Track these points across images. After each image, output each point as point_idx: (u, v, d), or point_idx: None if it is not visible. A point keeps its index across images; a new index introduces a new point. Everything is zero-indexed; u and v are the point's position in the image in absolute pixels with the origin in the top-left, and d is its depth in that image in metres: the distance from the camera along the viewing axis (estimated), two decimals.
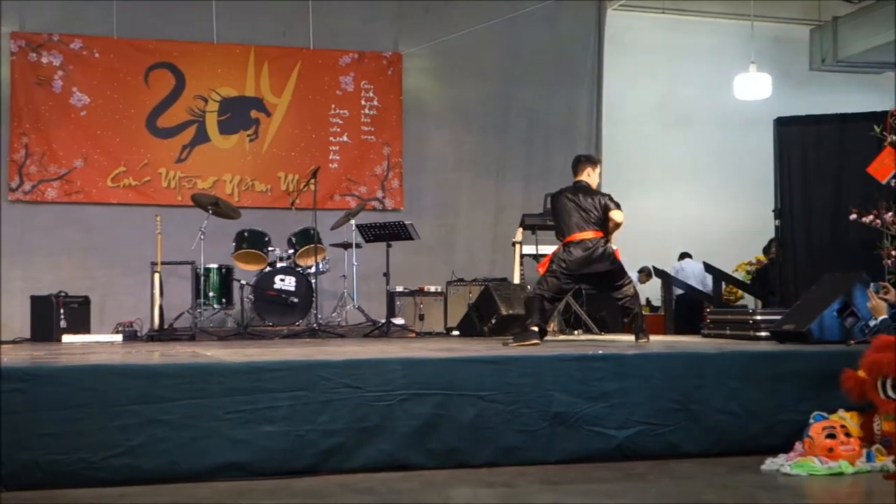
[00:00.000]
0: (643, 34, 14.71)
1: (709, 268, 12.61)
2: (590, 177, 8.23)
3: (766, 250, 12.99)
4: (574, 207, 7.99)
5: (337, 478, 4.94)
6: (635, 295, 8.13)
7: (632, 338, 8.09)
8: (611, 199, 8.02)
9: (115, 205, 12.21)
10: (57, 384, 4.79)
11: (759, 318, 8.37)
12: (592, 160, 8.39)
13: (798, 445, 5.28)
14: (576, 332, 10.87)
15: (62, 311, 10.38)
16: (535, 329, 7.79)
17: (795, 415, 5.60)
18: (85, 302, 10.71)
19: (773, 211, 11.24)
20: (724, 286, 12.92)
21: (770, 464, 5.17)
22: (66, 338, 9.96)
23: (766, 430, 5.66)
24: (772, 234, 11.66)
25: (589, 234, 7.92)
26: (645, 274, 14.04)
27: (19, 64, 11.99)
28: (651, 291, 13.73)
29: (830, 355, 5.97)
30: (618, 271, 8.10)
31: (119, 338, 10.07)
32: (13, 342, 10.24)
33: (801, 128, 11.12)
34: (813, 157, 11.06)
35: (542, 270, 8.21)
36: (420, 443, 5.16)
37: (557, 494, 4.67)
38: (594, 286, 8.83)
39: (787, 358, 5.96)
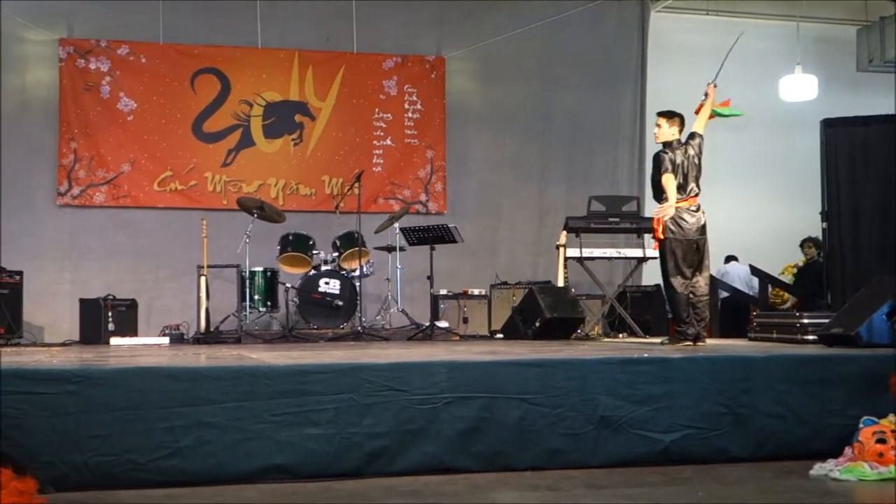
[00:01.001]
0: (687, 36, 14.59)
1: (755, 270, 12.50)
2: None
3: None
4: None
5: (381, 481, 4.95)
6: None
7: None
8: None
9: (162, 209, 12.33)
10: (106, 386, 4.84)
11: (806, 321, 8.29)
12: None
13: (847, 450, 5.21)
14: (620, 336, 10.82)
15: (110, 313, 10.50)
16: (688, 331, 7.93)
17: (844, 419, 5.54)
18: (132, 305, 10.82)
19: (821, 213, 11.13)
20: (770, 289, 12.81)
21: (819, 469, 5.11)
22: (113, 340, 10.07)
23: (814, 434, 5.60)
24: (818, 237, 11.55)
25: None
26: None
27: (68, 70, 12.15)
28: None
29: (880, 359, 5.89)
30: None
31: (166, 340, 10.17)
32: (62, 344, 10.36)
33: (848, 129, 11.01)
34: (860, 158, 10.95)
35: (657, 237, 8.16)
36: (464, 446, 5.16)
37: (603, 498, 4.65)
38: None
39: (836, 362, 5.89)
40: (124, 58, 12.34)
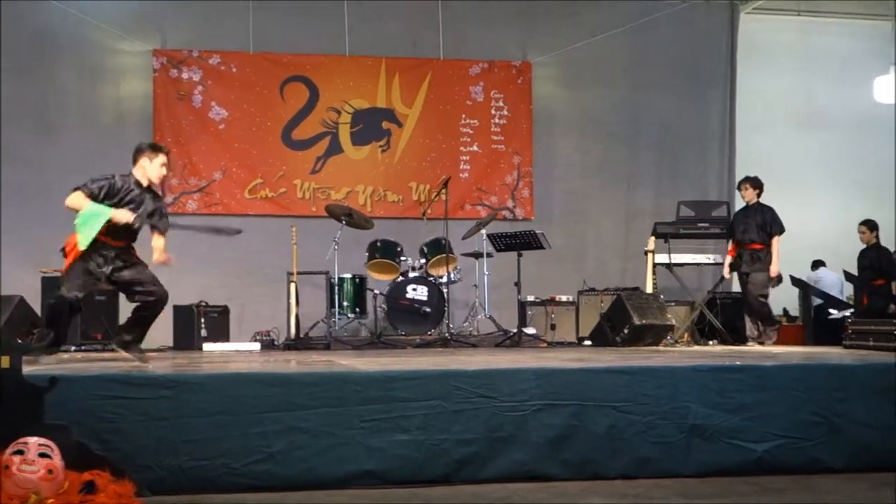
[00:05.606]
0: (778, 37, 14.37)
1: (849, 277, 12.22)
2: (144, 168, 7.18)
3: None
4: None
5: (470, 488, 4.95)
6: None
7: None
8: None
9: (253, 216, 12.50)
10: (200, 391, 4.92)
11: None
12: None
13: None
14: (710, 343, 10.68)
15: (203, 320, 10.64)
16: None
17: None
18: (224, 311, 10.97)
19: None
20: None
21: None
22: (206, 346, 10.23)
23: None
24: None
25: None
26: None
27: (161, 80, 12.41)
28: (788, 301, 13.38)
29: None
30: None
31: (257, 346, 10.31)
32: (157, 350, 10.55)
33: None
34: None
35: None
36: (554, 453, 5.14)
37: None
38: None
39: None
40: (215, 67, 12.56)
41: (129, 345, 7.19)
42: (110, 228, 6.94)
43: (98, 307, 10.37)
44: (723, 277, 11.00)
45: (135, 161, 7.18)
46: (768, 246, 10.36)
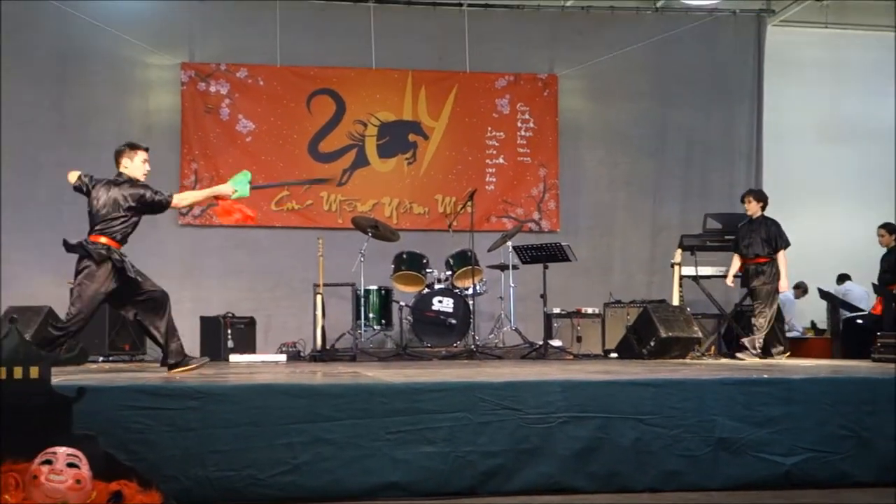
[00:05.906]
0: (805, 49, 14.32)
1: (878, 289, 12.13)
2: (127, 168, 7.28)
3: None
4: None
5: (496, 500, 4.94)
6: None
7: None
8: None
9: (279, 228, 12.55)
10: (226, 402, 4.93)
11: None
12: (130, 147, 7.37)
13: None
14: (737, 356, 10.62)
15: (229, 331, 10.68)
16: None
17: None
18: (251, 322, 11.00)
19: None
20: None
21: None
22: (232, 357, 10.25)
23: None
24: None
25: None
26: (801, 290, 13.64)
27: (189, 93, 12.50)
28: (816, 314, 13.30)
29: None
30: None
31: (283, 357, 10.32)
32: None
33: None
34: None
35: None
36: (580, 466, 5.12)
37: None
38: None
39: None
40: (243, 80, 12.64)
41: (187, 359, 7.32)
42: (120, 233, 7.14)
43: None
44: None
45: (117, 164, 7.30)
46: (773, 259, 10.21)
